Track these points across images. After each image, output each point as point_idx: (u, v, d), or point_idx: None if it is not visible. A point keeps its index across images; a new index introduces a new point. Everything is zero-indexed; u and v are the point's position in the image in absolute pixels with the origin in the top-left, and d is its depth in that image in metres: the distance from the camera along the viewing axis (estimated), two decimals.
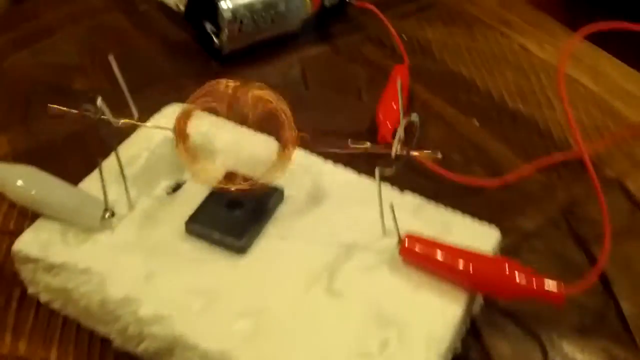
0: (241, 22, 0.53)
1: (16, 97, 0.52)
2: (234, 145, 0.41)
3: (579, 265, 0.42)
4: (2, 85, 0.53)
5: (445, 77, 0.56)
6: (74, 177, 0.44)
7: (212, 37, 0.54)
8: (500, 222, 0.44)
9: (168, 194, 0.39)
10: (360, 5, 0.58)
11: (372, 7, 0.58)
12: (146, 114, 0.49)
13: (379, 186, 0.35)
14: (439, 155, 0.38)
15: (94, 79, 0.53)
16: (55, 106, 0.36)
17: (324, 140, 0.38)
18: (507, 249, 0.42)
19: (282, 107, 0.37)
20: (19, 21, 0.59)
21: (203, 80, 0.54)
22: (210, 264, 0.35)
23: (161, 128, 0.40)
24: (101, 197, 0.36)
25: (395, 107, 0.49)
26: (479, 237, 0.38)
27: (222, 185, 0.36)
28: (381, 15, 0.57)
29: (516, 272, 0.34)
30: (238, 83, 0.37)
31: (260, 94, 0.37)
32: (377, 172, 0.35)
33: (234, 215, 0.36)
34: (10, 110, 0.51)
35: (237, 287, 0.34)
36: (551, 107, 0.54)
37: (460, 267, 0.34)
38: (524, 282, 0.33)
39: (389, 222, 0.36)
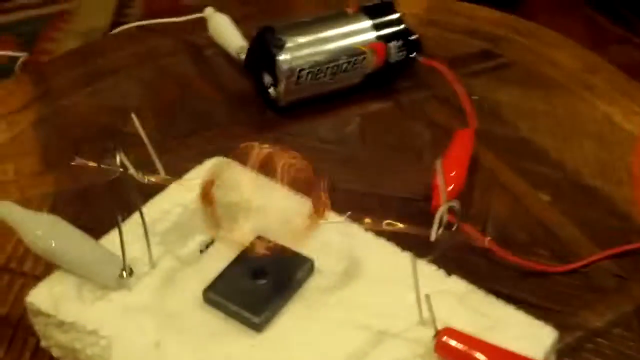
0: (299, 75, 0.51)
1: (69, 136, 0.52)
2: (267, 207, 0.39)
3: None
4: (57, 124, 0.53)
5: (515, 145, 0.52)
6: (109, 225, 0.42)
7: (268, 88, 0.52)
8: (562, 315, 0.39)
9: (201, 251, 0.37)
10: (427, 62, 0.54)
11: (438, 64, 0.54)
12: (192, 161, 0.48)
13: (415, 272, 0.31)
14: (487, 244, 0.34)
15: (147, 125, 0.52)
16: (80, 159, 0.35)
17: (359, 216, 0.35)
18: (568, 350, 0.37)
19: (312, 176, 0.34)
20: (84, 59, 0.59)
21: (255, 130, 0.52)
22: (224, 340, 0.32)
23: (185, 186, 0.37)
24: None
25: (454, 174, 0.45)
26: (531, 336, 0.33)
27: (246, 249, 0.33)
28: (448, 73, 0.54)
29: None
30: (271, 149, 0.34)
31: (292, 162, 0.34)
32: (411, 258, 0.31)
33: (257, 287, 0.34)
34: (60, 150, 0.50)
35: None
36: (633, 185, 0.48)
37: None
38: None
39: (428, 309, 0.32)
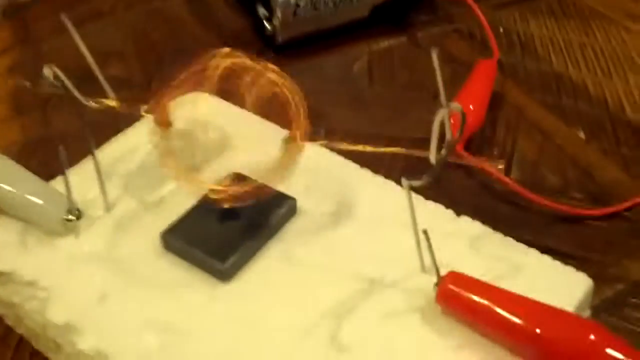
0: (297, 5, 0.45)
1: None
2: (237, 139, 0.33)
3: None
4: (34, 69, 0.48)
5: (547, 79, 0.45)
6: None
7: (262, 21, 0.46)
8: (600, 265, 0.32)
9: None
10: None
11: None
12: None
13: (411, 203, 0.25)
14: (500, 166, 0.28)
15: (130, 67, 0.47)
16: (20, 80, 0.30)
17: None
18: (606, 305, 0.31)
19: (295, 97, 0.28)
20: (69, 3, 0.54)
21: None
22: (183, 292, 0.27)
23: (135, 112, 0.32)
24: (77, 194, 0.29)
25: (472, 107, 0.39)
26: (560, 284, 0.27)
27: (211, 193, 0.28)
28: (475, 7, 0.47)
29: (607, 348, 0.23)
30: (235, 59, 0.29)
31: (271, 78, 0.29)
32: (403, 183, 0.25)
33: (226, 230, 0.28)
34: (33, 96, 0.46)
35: (212, 326, 0.26)
36: None
37: (522, 326, 0.23)
38: None
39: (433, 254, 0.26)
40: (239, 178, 0.30)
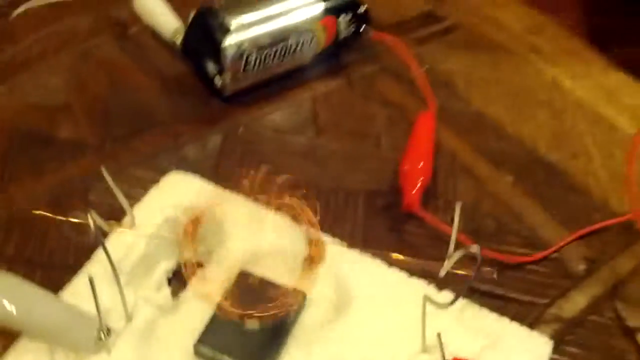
0: (246, 62, 0.47)
1: None
2: (252, 234, 0.36)
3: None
4: None
5: (472, 120, 0.51)
6: (58, 254, 0.39)
7: (213, 76, 0.47)
8: (540, 308, 0.39)
9: (170, 280, 0.35)
10: (379, 37, 0.52)
11: (391, 39, 0.51)
12: (139, 167, 0.44)
13: (424, 315, 0.30)
14: (495, 275, 0.33)
15: (81, 126, 0.47)
16: (41, 212, 0.31)
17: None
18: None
19: (309, 218, 0.32)
20: None
21: (202, 124, 0.48)
22: None
23: (158, 236, 0.34)
24: (92, 308, 0.31)
25: (421, 166, 0.44)
26: (531, 349, 0.33)
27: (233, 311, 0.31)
28: (401, 48, 0.52)
29: None
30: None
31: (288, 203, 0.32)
32: (423, 300, 0.30)
33: (250, 333, 0.31)
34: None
35: None
36: (587, 156, 0.49)
37: None
38: None
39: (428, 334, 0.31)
40: (246, 276, 0.33)
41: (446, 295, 0.35)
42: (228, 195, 0.38)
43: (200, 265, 0.33)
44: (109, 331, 0.31)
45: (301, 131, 0.49)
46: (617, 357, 0.38)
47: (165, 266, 0.36)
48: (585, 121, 0.51)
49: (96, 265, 0.34)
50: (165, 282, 0.36)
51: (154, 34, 0.54)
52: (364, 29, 0.51)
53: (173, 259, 0.37)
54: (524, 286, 0.41)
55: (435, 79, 0.53)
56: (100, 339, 0.30)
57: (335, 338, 0.32)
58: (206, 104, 0.50)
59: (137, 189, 0.43)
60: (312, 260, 0.32)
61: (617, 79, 0.55)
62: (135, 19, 0.55)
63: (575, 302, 0.40)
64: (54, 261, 0.39)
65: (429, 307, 0.32)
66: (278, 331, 0.32)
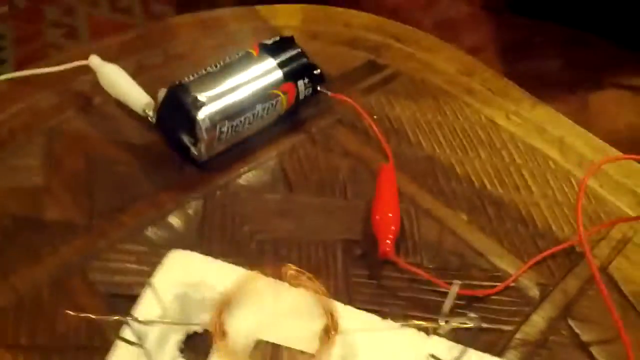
0: (220, 131, 0.50)
1: None
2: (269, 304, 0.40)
3: None
4: None
5: (425, 164, 0.56)
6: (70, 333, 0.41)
7: (188, 147, 0.51)
8: (509, 334, 0.45)
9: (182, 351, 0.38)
10: (336, 96, 0.56)
11: (348, 99, 0.56)
12: (130, 242, 0.47)
13: None
14: (482, 325, 0.38)
15: (66, 206, 0.49)
16: (70, 312, 0.33)
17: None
18: None
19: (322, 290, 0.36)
20: None
21: (180, 192, 0.51)
22: None
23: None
24: None
25: (391, 216, 0.49)
26: None
27: None
28: (356, 106, 0.56)
29: None
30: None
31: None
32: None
33: None
34: None
35: None
36: (528, 188, 0.55)
37: None
38: None
39: None
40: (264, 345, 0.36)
41: (434, 340, 0.40)
42: (231, 268, 0.41)
43: (225, 333, 0.36)
44: None
45: (274, 188, 0.53)
46: None
47: (176, 338, 0.39)
48: (521, 156, 0.58)
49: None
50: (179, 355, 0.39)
51: (119, 104, 0.56)
52: (320, 89, 0.56)
53: (182, 331, 0.40)
54: (491, 316, 0.46)
55: (386, 127, 0.58)
56: None
57: None
58: (182, 171, 0.52)
59: (132, 265, 0.46)
60: (329, 330, 0.36)
61: (544, 112, 0.62)
62: (97, 90, 0.57)
63: (536, 325, 0.46)
64: (69, 344, 0.41)
65: (424, 354, 0.36)
66: None
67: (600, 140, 0.60)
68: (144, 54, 0.62)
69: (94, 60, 0.54)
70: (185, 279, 0.40)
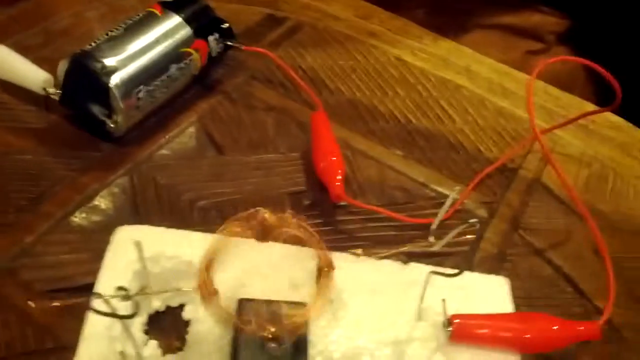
0: (138, 97, 0.46)
1: None
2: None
3: (550, 278, 0.45)
4: None
5: (349, 108, 0.55)
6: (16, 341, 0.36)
7: (103, 120, 0.46)
8: (470, 254, 0.45)
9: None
10: (251, 49, 0.53)
11: (265, 51, 0.54)
12: (60, 230, 0.42)
13: (424, 289, 0.34)
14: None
15: None
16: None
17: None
18: None
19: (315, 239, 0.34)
20: None
21: (103, 173, 0.46)
22: None
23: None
24: None
25: (335, 159, 0.47)
26: (495, 289, 0.39)
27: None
28: (275, 58, 0.54)
29: (557, 325, 0.36)
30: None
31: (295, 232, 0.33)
32: (426, 277, 0.34)
33: (277, 354, 0.33)
34: None
35: None
36: (450, 118, 0.56)
37: (513, 336, 0.35)
38: (567, 332, 0.35)
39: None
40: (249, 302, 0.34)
41: (411, 266, 0.39)
42: (188, 235, 0.38)
43: (215, 292, 0.33)
44: None
45: (203, 153, 0.49)
46: (537, 274, 0.45)
47: (141, 320, 0.35)
48: (435, 88, 0.59)
49: (92, 330, 0.32)
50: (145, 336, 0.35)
51: (5, 89, 0.50)
52: (232, 43, 0.52)
53: (145, 313, 0.36)
54: (450, 240, 0.46)
55: (301, 77, 0.56)
56: None
57: (342, 339, 0.35)
58: (98, 149, 0.47)
59: (67, 255, 0.41)
60: (323, 270, 0.34)
61: (446, 45, 0.63)
62: None
63: (491, 242, 0.47)
64: (16, 353, 0.36)
65: (401, 280, 0.36)
66: (298, 347, 0.33)
67: (503, 64, 0.63)
68: (22, 35, 0.56)
69: None
70: (140, 254, 0.36)
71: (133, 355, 0.30)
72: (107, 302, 0.28)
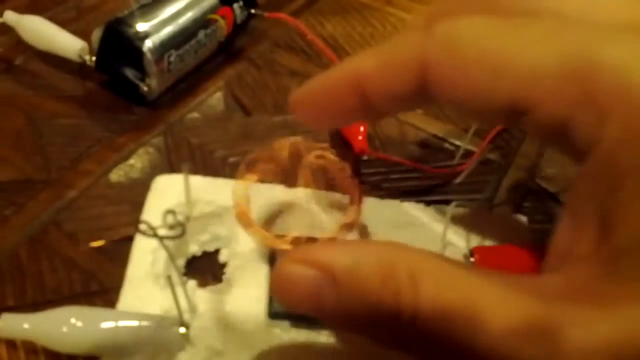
0: (169, 62, 0.48)
1: None
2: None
3: None
4: None
5: None
6: (63, 285, 0.39)
7: (137, 84, 0.48)
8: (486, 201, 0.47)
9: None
10: (274, 15, 0.56)
11: (289, 18, 0.56)
12: (100, 186, 0.45)
13: (447, 220, 0.36)
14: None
15: (18, 164, 0.45)
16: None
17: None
18: None
19: (341, 166, 0.36)
20: None
21: (137, 132, 0.49)
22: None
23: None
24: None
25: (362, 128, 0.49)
26: (511, 229, 0.41)
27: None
28: (294, 22, 0.56)
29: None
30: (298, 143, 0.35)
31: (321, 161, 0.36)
32: (447, 210, 0.36)
33: None
34: None
35: None
36: None
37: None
38: None
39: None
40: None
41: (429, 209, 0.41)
42: (223, 182, 0.41)
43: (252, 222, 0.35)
44: (187, 325, 0.32)
45: (231, 116, 0.51)
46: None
47: (180, 264, 0.38)
48: None
49: (135, 271, 0.35)
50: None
51: (43, 58, 0.52)
52: (256, 11, 0.55)
53: (183, 257, 0.39)
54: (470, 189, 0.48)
55: (323, 44, 0.58)
56: (183, 334, 0.32)
57: None
58: (133, 112, 0.50)
59: (107, 208, 0.43)
60: (347, 226, 0.36)
61: None
62: (14, 50, 0.53)
63: (510, 190, 0.49)
64: (63, 296, 0.38)
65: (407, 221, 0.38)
66: None
67: None
68: (56, 10, 0.58)
69: (10, 16, 0.50)
70: (178, 200, 0.39)
71: (177, 283, 0.32)
72: (153, 231, 0.30)
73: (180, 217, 0.31)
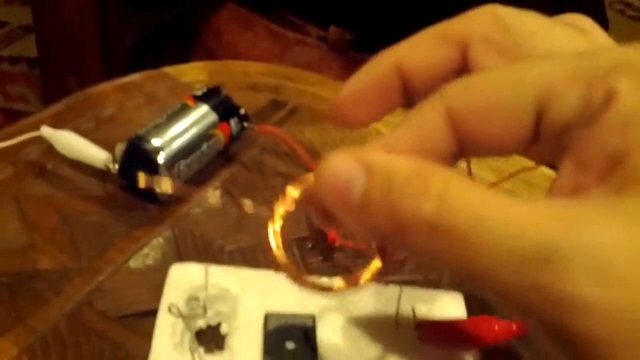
0: (179, 170, 0.59)
1: None
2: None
3: None
4: None
5: None
6: (95, 355, 0.48)
7: (153, 188, 0.59)
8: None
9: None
10: (263, 129, 0.68)
11: (275, 130, 0.68)
12: (121, 275, 0.54)
13: (399, 300, 0.47)
14: None
15: (54, 256, 0.55)
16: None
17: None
18: None
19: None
20: None
21: (151, 226, 0.59)
22: None
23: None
24: None
25: None
26: (451, 303, 0.52)
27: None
28: (283, 135, 0.68)
29: (497, 324, 0.48)
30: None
31: None
32: (400, 292, 0.47)
33: (299, 350, 0.45)
34: None
35: None
36: None
37: (474, 335, 0.48)
38: (506, 329, 0.48)
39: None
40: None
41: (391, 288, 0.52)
42: (229, 269, 0.51)
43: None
44: None
45: (227, 210, 0.62)
46: None
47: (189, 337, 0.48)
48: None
49: (159, 342, 0.45)
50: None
51: (71, 165, 0.63)
52: (248, 125, 0.67)
53: (192, 331, 0.49)
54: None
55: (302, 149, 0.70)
56: None
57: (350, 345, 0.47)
58: (147, 210, 0.61)
59: (129, 290, 0.53)
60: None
61: None
62: (46, 157, 0.64)
63: None
64: None
65: (382, 299, 0.49)
66: (310, 339, 0.46)
67: None
68: (78, 121, 0.70)
69: (47, 130, 0.61)
70: (194, 284, 0.49)
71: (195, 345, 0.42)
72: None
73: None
